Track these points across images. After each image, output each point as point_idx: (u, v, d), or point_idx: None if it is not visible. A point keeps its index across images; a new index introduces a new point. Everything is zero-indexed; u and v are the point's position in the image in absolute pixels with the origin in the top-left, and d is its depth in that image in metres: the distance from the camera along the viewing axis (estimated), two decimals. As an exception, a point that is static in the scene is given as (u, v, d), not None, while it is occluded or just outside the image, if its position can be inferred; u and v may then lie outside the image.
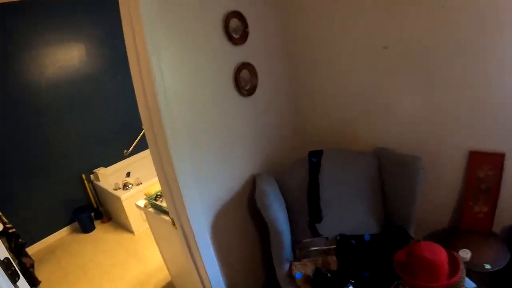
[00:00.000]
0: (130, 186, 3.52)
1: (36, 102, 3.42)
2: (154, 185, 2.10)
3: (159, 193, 1.98)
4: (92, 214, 3.84)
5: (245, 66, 1.67)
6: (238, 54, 1.62)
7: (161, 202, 1.88)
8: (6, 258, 0.97)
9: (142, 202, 2.05)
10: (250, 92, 1.73)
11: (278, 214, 1.51)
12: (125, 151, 4.13)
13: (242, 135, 1.70)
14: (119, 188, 3.53)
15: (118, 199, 3.32)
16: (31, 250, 3.49)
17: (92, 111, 3.84)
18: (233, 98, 1.62)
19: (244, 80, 1.70)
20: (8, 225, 1.58)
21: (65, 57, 3.54)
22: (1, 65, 3.12)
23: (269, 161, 1.89)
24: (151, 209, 1.93)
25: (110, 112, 4.00)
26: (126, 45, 1.24)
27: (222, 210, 1.62)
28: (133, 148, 4.17)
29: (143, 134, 3.94)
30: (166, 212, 1.75)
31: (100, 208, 3.99)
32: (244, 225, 1.79)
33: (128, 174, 4.02)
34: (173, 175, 1.34)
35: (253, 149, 1.78)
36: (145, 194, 2.01)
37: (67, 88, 3.60)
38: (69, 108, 3.64)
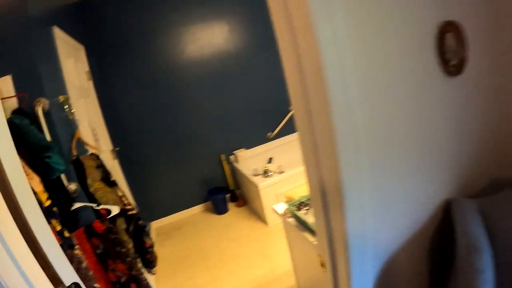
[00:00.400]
0: (270, 173, 3.38)
1: (176, 79, 3.62)
2: (298, 187, 1.74)
3: (304, 201, 1.61)
4: (228, 195, 3.95)
5: (450, 27, 1.03)
6: (441, 6, 1.00)
7: (306, 213, 1.51)
8: (74, 283, 0.81)
9: (281, 207, 1.74)
10: (458, 69, 1.07)
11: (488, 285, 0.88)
12: (269, 133, 4.02)
13: (441, 137, 1.08)
14: (259, 174, 3.45)
15: (255, 186, 3.23)
16: (160, 222, 3.83)
17: (235, 90, 3.84)
18: (434, 78, 1.02)
19: (451, 50, 1.06)
20: (128, 207, 1.56)
21: (207, 35, 3.59)
22: (145, 41, 3.38)
23: (461, 179, 1.19)
24: (291, 220, 1.59)
25: (254, 91, 3.93)
26: (273, 15, 0.86)
27: (398, 253, 1.08)
28: (277, 131, 4.00)
29: (290, 117, 3.92)
30: (310, 230, 1.37)
31: (236, 191, 4.06)
32: (421, 278, 1.19)
33: (270, 160, 3.91)
34: (335, 185, 0.89)
35: (451, 159, 1.13)
36: (286, 198, 1.69)
37: (210, 66, 3.68)
38: (210, 86, 3.73)
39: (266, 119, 4.05)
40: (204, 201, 4.08)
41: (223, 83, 3.81)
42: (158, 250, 3.13)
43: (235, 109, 3.94)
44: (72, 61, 2.26)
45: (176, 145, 3.80)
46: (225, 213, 3.86)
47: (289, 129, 4.00)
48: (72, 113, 1.83)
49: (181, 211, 4.02)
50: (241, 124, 4.02)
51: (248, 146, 4.10)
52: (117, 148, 2.98)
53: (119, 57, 3.38)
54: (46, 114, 1.53)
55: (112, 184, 1.78)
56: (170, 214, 3.98)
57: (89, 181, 1.62)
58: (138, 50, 3.42)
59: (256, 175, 3.46)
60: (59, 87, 1.89)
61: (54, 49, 1.90)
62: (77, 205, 1.40)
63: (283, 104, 3.32)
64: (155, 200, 3.86)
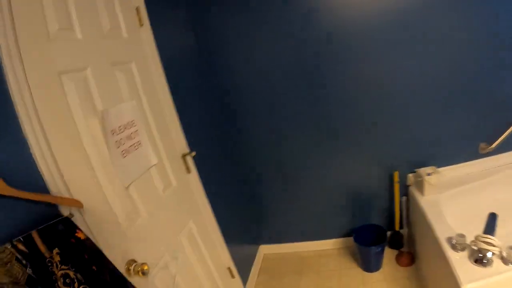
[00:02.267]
0: (489, 258, 1.41)
1: (340, 48, 2.00)
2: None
3: None
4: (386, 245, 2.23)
5: None
6: None
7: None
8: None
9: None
10: None
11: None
12: (484, 145, 1.97)
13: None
14: (460, 246, 1.52)
15: (452, 275, 1.37)
16: (271, 249, 2.57)
17: (420, 64, 1.91)
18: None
19: None
20: None
21: None
22: None
23: None
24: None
25: (458, 70, 1.91)
26: None
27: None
28: (500, 142, 1.88)
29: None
30: None
31: (402, 232, 2.28)
32: None
33: (491, 219, 1.88)
34: None
35: None
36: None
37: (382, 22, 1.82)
38: (386, 54, 1.91)
39: (478, 119, 1.97)
40: (344, 235, 2.55)
41: (407, 51, 1.92)
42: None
43: (423, 95, 2.00)
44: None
45: (316, 145, 2.34)
46: (375, 270, 2.24)
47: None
48: None
49: (305, 242, 2.67)
50: (432, 122, 2.06)
51: (443, 163, 2.11)
52: (192, 153, 1.83)
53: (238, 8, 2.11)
54: None
55: None
56: (288, 242, 2.72)
57: None
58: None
59: (455, 244, 1.54)
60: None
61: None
62: None
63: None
64: (271, 218, 2.67)
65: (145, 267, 1.23)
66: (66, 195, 1.04)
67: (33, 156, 0.97)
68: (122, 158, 1.34)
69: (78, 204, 1.04)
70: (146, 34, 1.58)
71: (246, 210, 2.62)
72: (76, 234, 1.02)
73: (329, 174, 2.39)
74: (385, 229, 2.30)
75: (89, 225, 1.12)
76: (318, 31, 2.02)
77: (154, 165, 1.54)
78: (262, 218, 2.68)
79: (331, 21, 1.99)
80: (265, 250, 2.78)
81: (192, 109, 1.99)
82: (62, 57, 1.09)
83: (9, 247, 0.85)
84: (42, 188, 0.99)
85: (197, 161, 1.89)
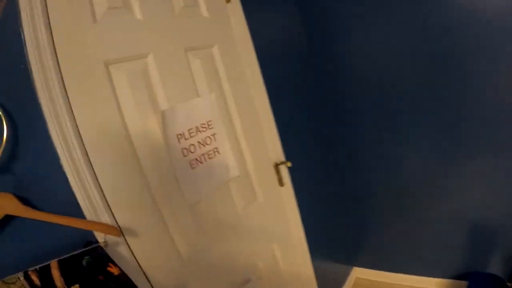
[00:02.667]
0: None
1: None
2: None
3: None
4: None
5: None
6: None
7: None
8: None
9: None
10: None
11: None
12: None
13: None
14: None
15: None
16: (365, 273, 2.13)
17: None
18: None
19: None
20: None
21: None
22: None
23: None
24: None
25: None
26: None
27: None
28: None
29: None
30: None
31: None
32: None
33: None
34: None
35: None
36: None
37: None
38: None
39: None
40: (454, 277, 1.83)
41: None
42: None
43: None
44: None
45: (448, 158, 1.62)
46: None
47: None
48: None
49: (405, 274, 2.00)
50: None
51: None
52: (287, 163, 1.42)
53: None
54: None
55: None
56: (386, 270, 2.09)
57: None
58: None
59: None
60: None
61: None
62: None
63: None
64: (372, 239, 2.08)
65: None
66: (105, 217, 0.80)
67: (64, 168, 0.75)
68: (190, 170, 1.05)
69: (114, 232, 0.78)
70: (235, 12, 1.24)
71: (342, 226, 2.08)
72: (108, 269, 0.78)
73: (458, 201, 1.58)
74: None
75: (136, 255, 0.86)
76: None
77: (234, 177, 1.20)
78: (360, 237, 2.10)
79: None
80: (358, 273, 2.21)
81: (288, 107, 1.57)
82: (111, 42, 0.85)
83: (21, 278, 0.68)
84: (74, 207, 0.78)
85: (292, 171, 1.47)
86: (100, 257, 0.77)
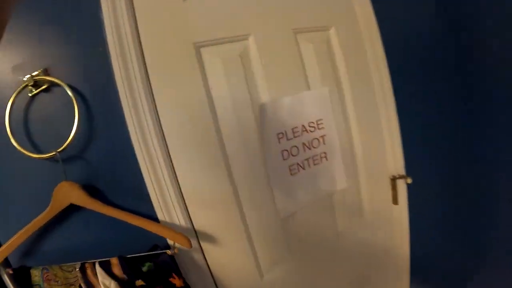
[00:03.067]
0: None
1: None
2: None
3: None
4: None
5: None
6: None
7: None
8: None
9: None
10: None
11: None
12: None
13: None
14: None
15: None
16: None
17: None
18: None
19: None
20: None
21: None
22: None
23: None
24: None
25: None
26: None
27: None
28: None
29: None
30: None
31: None
32: None
33: None
34: None
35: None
36: None
37: None
38: None
39: None
40: None
41: None
42: None
43: None
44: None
45: None
46: None
47: None
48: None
49: None
50: None
51: None
52: (408, 179, 1.07)
53: None
54: None
55: None
56: None
57: None
58: None
59: None
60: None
61: None
62: None
63: None
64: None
65: None
66: (180, 219, 0.71)
67: (138, 161, 0.69)
68: (288, 176, 0.88)
69: (183, 242, 0.68)
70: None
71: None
72: (171, 279, 0.68)
73: None
74: None
75: (210, 265, 0.75)
76: None
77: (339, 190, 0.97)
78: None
79: None
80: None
81: (415, 112, 1.19)
82: (204, 22, 0.75)
83: (77, 268, 0.67)
84: (146, 203, 0.71)
85: (410, 188, 1.11)
86: (163, 264, 0.68)
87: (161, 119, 0.71)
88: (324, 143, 0.94)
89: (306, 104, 0.89)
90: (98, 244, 0.72)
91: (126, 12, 0.68)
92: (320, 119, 0.92)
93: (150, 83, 0.71)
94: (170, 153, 0.71)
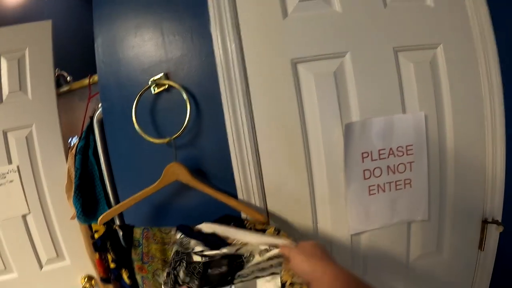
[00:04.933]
0: None
1: None
2: None
3: None
4: None
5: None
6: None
7: None
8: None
9: None
10: None
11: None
12: None
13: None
14: None
15: None
16: None
17: None
18: None
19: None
20: None
21: None
22: None
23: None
24: None
25: None
26: None
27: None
28: None
29: None
30: None
31: None
32: None
33: None
34: None
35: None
36: None
37: None
38: None
39: None
40: None
41: None
42: None
43: None
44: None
45: None
46: None
47: None
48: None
49: None
50: None
51: None
52: (500, 228, 0.92)
53: None
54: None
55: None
56: None
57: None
58: None
59: None
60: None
61: None
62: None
63: None
64: None
65: None
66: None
67: (231, 157, 0.82)
68: (366, 195, 0.87)
69: (261, 218, 0.79)
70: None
71: None
72: None
73: None
74: None
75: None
76: None
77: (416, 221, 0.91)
78: None
79: None
80: None
81: None
82: (302, 39, 0.80)
83: (173, 231, 0.81)
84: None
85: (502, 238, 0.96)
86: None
87: (255, 123, 0.80)
88: (410, 170, 0.89)
89: (398, 128, 0.86)
90: (190, 214, 0.86)
91: (231, 27, 0.78)
92: (411, 145, 0.88)
93: (249, 92, 0.80)
94: (259, 153, 0.81)
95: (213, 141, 0.84)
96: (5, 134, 1.09)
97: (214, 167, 0.85)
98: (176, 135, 0.79)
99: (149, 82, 0.83)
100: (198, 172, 0.84)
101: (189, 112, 0.79)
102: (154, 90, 0.84)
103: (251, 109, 0.81)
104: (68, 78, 1.27)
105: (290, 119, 0.81)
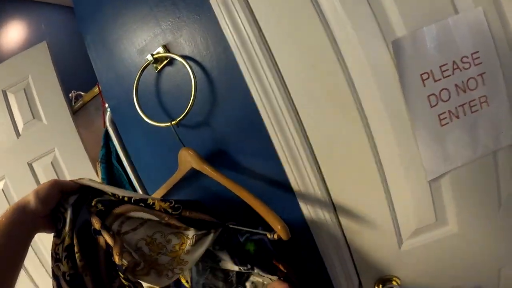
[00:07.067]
0: None
1: None
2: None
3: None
4: None
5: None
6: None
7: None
8: None
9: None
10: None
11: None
12: None
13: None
14: None
15: None
16: None
17: None
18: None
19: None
20: None
21: None
22: None
23: None
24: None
25: None
26: None
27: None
28: None
29: None
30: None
31: None
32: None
33: None
34: None
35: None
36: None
37: None
38: None
39: None
40: None
41: None
42: None
43: None
44: None
45: None
46: None
47: None
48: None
49: None
50: None
51: None
52: None
53: None
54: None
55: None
56: None
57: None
58: None
59: None
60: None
61: None
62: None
63: None
64: None
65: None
66: (316, 190, 0.62)
67: (264, 123, 0.65)
68: (438, 126, 0.70)
69: (281, 232, 0.57)
70: None
71: None
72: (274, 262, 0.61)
73: None
74: None
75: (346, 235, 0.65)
76: None
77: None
78: None
79: None
80: None
81: None
82: None
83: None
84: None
85: None
86: (263, 248, 0.60)
87: (283, 75, 0.64)
88: (483, 84, 0.71)
89: (456, 33, 0.69)
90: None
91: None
92: (476, 52, 0.70)
93: (266, 41, 0.65)
94: (297, 108, 0.63)
95: (237, 113, 0.70)
96: (30, 166, 1.05)
97: (245, 142, 0.70)
98: (179, 119, 0.66)
99: (148, 59, 0.70)
100: (226, 151, 0.70)
101: (194, 84, 0.65)
102: (157, 68, 0.71)
103: (274, 60, 0.66)
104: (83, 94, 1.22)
105: (323, 57, 0.65)
